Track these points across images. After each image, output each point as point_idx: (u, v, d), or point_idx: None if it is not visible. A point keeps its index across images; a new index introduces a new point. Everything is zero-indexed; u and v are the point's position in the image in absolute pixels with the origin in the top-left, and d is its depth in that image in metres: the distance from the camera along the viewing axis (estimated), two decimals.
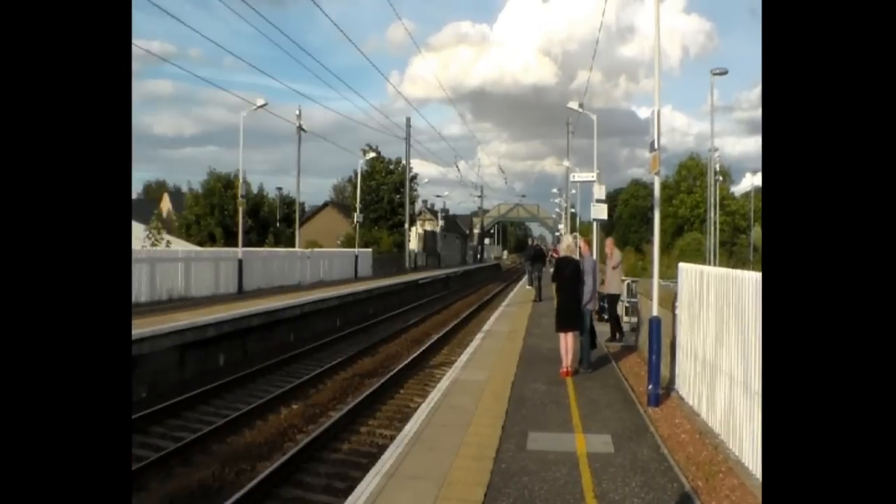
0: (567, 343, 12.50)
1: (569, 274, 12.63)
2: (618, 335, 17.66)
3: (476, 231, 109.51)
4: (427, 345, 21.07)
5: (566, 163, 50.12)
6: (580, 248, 14.24)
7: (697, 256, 46.38)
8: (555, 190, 79.62)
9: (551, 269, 17.39)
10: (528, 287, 35.43)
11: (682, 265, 11.45)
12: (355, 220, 46.62)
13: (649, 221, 78.68)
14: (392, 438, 9.46)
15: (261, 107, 30.45)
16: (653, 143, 10.60)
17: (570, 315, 12.53)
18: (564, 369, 12.49)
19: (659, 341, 10.87)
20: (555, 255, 35.04)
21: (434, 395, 10.94)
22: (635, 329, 18.11)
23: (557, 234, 69.09)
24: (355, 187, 52.88)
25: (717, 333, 8.98)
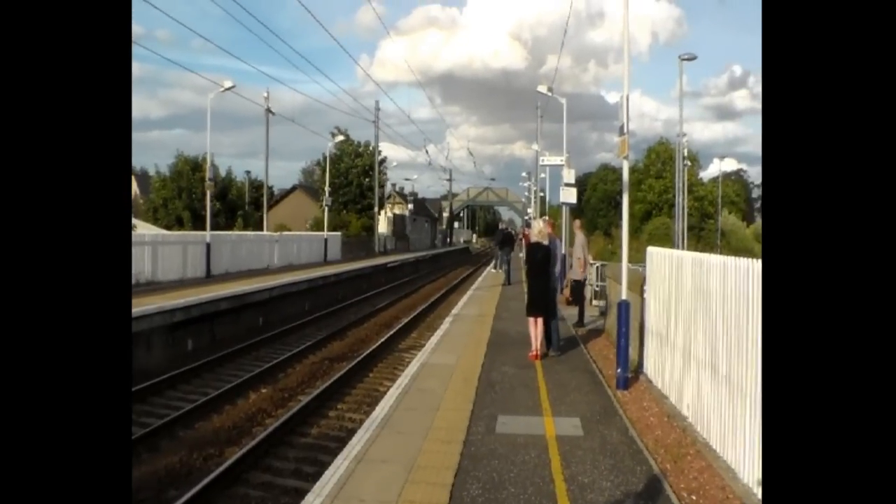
0: (537, 327, 12.55)
1: (540, 259, 12.67)
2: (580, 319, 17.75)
3: (445, 215, 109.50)
4: (396, 328, 21.05)
5: (535, 146, 50.08)
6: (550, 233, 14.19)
7: (666, 241, 46.72)
8: (524, 174, 79.80)
9: (521, 254, 17.38)
10: (494, 271, 35.47)
11: (650, 249, 11.52)
12: (324, 203, 46.44)
13: (618, 206, 79.10)
14: (361, 422, 9.43)
15: (228, 89, 30.16)
16: (622, 127, 10.64)
17: (540, 300, 12.57)
18: (533, 352, 12.53)
19: (627, 325, 10.92)
20: (525, 238, 35.09)
21: (403, 379, 10.92)
22: (604, 312, 18.20)
23: (527, 217, 69.20)
24: (324, 171, 52.62)
25: (685, 317, 9.03)
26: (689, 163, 53.69)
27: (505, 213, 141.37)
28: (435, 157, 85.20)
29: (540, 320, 12.57)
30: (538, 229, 13.15)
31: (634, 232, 55.85)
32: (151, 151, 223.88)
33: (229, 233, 35.75)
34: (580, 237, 17.97)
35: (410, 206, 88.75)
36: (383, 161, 65.86)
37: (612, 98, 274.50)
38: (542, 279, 12.69)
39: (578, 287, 17.91)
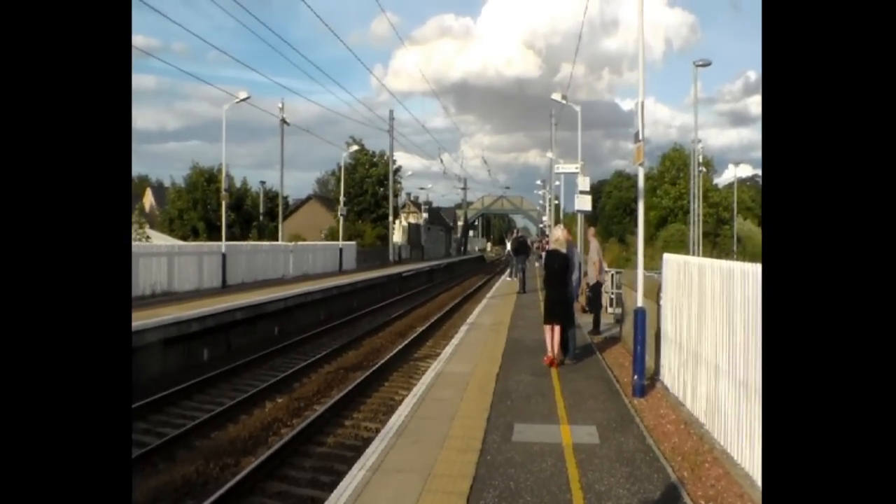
0: (554, 335, 12.47)
1: (557, 267, 12.61)
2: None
3: (460, 223, 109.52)
4: (411, 337, 21.04)
5: (550, 154, 50.05)
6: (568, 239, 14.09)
7: (681, 247, 46.54)
8: (539, 181, 79.73)
9: (536, 264, 17.31)
10: (509, 279, 35.36)
11: (666, 256, 11.47)
12: (339, 213, 46.55)
13: (633, 213, 78.81)
14: (377, 431, 9.43)
15: (244, 100, 30.29)
16: (637, 134, 10.60)
17: (558, 308, 12.51)
18: (549, 357, 12.45)
19: (644, 332, 10.87)
20: (539, 246, 34.90)
21: (419, 388, 10.90)
22: (620, 320, 18.13)
23: (541, 225, 69.11)
24: (339, 180, 52.82)
25: (702, 324, 8.98)
26: (704, 169, 53.47)
27: (520, 222, 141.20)
28: (449, 165, 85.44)
29: (557, 328, 12.50)
30: (556, 237, 13.09)
31: (649, 239, 55.65)
32: (168, 163, 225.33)
33: (244, 243, 35.87)
34: (594, 244, 17.92)
35: (425, 214, 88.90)
36: (398, 170, 66.11)
37: (626, 105, 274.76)
38: (561, 287, 12.63)
39: (595, 292, 17.85)
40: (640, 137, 10.54)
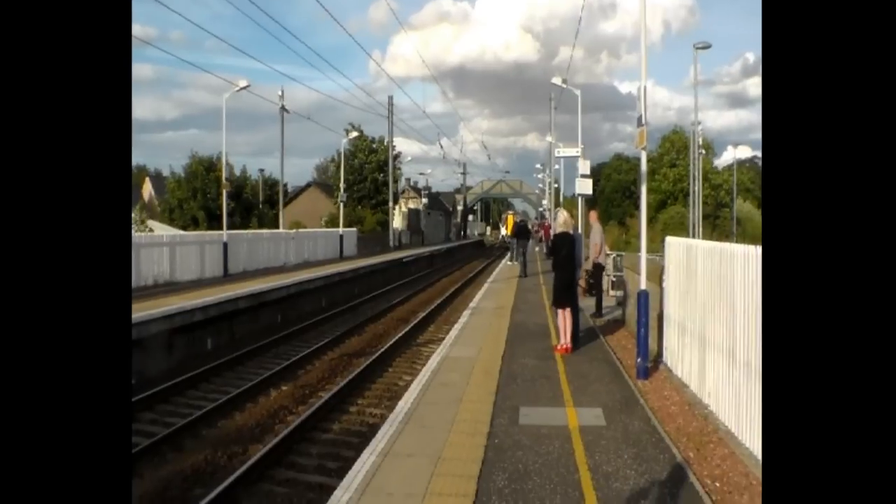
0: (565, 319, 12.47)
1: (567, 249, 12.58)
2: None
3: (459, 208, 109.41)
4: (414, 323, 21.09)
5: (549, 138, 49.92)
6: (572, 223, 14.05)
7: (681, 230, 46.55)
8: (538, 165, 79.62)
9: (536, 248, 17.25)
10: (509, 263, 35.40)
11: (669, 239, 11.51)
12: (339, 199, 46.47)
13: (632, 195, 78.84)
14: (382, 417, 9.50)
15: (243, 88, 30.20)
16: (640, 118, 10.59)
17: (567, 290, 12.48)
18: (563, 346, 12.46)
19: (647, 314, 10.91)
20: (538, 229, 34.86)
21: (424, 373, 10.95)
22: (621, 303, 18.17)
23: (541, 209, 69.07)
24: (338, 167, 52.73)
25: (705, 306, 9.03)
26: (703, 151, 53.39)
27: (519, 206, 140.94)
28: (448, 150, 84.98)
29: (567, 312, 12.49)
30: (563, 219, 13.08)
31: (649, 221, 55.53)
32: (166, 153, 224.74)
33: (245, 231, 35.82)
34: (597, 227, 17.91)
35: (424, 200, 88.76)
36: (397, 156, 65.99)
37: (624, 88, 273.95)
38: (569, 269, 12.59)
39: (597, 276, 17.86)
40: (643, 121, 10.53)
